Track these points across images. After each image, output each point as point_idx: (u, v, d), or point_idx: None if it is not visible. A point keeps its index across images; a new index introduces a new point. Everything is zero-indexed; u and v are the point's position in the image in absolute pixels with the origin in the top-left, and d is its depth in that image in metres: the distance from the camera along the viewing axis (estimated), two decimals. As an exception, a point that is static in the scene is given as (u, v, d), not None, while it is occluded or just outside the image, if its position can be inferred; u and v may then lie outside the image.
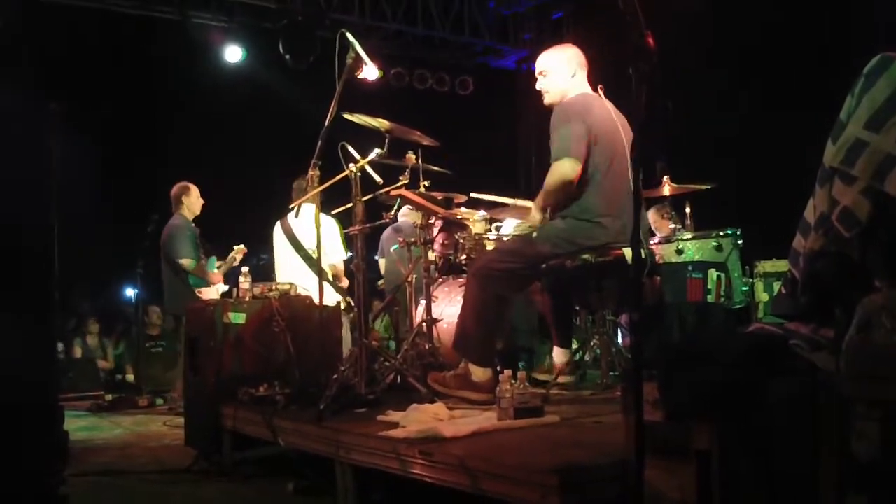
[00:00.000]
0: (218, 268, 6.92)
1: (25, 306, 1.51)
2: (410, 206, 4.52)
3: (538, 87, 3.96)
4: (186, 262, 6.65)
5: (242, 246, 6.94)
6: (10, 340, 1.46)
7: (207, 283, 6.70)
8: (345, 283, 6.00)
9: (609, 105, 3.80)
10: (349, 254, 6.02)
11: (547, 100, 3.93)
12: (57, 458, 1.53)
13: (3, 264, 1.51)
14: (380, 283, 6.73)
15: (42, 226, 1.60)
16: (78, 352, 9.59)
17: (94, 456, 4.74)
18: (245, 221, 7.99)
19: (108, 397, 7.55)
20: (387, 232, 6.47)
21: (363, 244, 3.97)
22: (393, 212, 4.32)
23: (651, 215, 6.34)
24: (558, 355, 4.16)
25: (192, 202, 6.95)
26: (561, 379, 3.89)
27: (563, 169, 3.63)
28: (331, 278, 5.72)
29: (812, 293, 2.18)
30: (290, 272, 5.74)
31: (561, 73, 3.89)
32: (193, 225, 6.92)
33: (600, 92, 3.85)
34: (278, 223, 6.07)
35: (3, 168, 1.60)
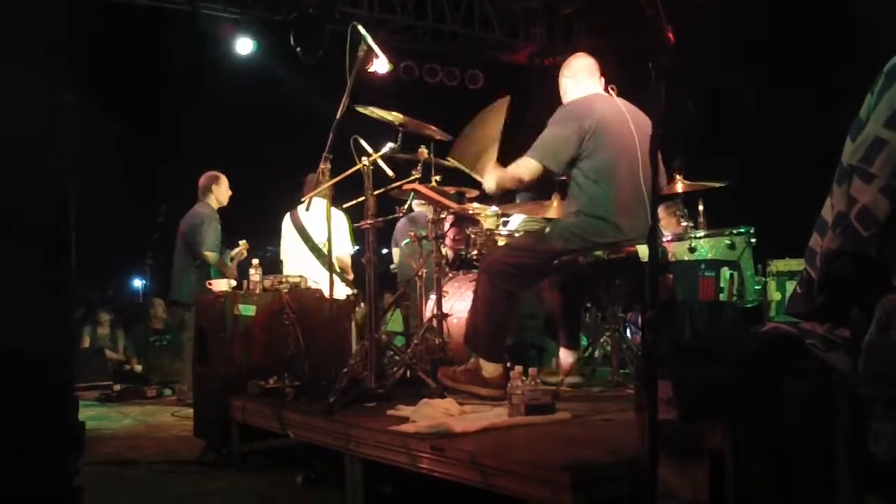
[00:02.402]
0: (231, 260, 6.91)
1: (43, 287, 1.51)
2: (422, 201, 4.51)
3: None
4: (211, 256, 6.57)
5: (245, 242, 6.91)
6: (27, 322, 1.46)
7: (225, 274, 6.66)
8: (351, 275, 5.99)
9: (620, 103, 3.80)
10: (356, 247, 6.01)
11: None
12: (72, 448, 1.53)
13: (19, 244, 1.52)
14: (392, 266, 6.71)
15: (58, 199, 1.60)
16: (86, 341, 9.61)
17: (102, 446, 4.75)
18: (253, 213, 8.00)
19: (117, 387, 7.58)
20: (401, 222, 6.43)
21: (374, 238, 3.96)
22: (405, 206, 4.31)
23: (659, 212, 6.30)
24: (565, 356, 4.15)
25: (221, 192, 6.81)
26: (568, 380, 3.88)
27: (528, 169, 3.72)
28: (337, 271, 5.71)
29: (829, 293, 2.16)
30: (298, 265, 5.74)
31: (565, 88, 3.99)
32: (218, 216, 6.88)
33: (611, 92, 3.87)
34: (287, 215, 6.07)
35: (19, 154, 1.61)
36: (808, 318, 2.25)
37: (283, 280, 4.59)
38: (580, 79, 3.94)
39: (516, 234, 4.40)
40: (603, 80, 3.97)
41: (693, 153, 4.52)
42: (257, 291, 4.54)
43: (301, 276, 4.75)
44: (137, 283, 13.48)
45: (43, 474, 1.52)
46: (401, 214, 4.35)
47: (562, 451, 2.53)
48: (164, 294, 9.23)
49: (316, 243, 5.78)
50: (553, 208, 4.36)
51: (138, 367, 9.32)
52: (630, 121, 3.71)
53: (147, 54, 8.92)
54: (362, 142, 3.96)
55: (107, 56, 8.45)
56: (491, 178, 3.88)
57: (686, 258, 4.12)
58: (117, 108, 8.95)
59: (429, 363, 4.11)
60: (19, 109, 1.74)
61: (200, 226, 6.63)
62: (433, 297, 4.47)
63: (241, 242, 6.94)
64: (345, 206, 4.90)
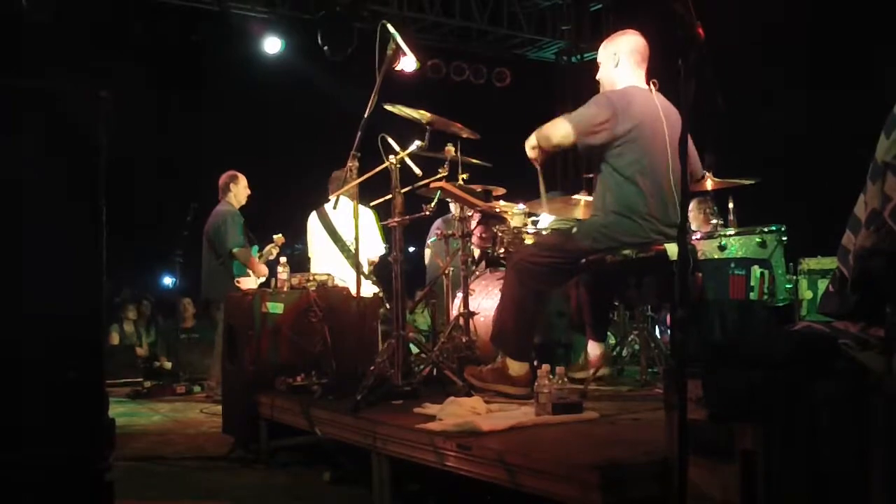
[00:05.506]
0: (259, 257, 6.96)
1: (75, 284, 1.53)
2: (450, 199, 4.51)
3: (597, 77, 3.92)
4: (237, 251, 6.63)
5: (280, 235, 6.95)
6: (58, 323, 1.49)
7: (253, 272, 6.68)
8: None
9: (659, 101, 3.70)
10: (385, 245, 6.01)
11: (601, 90, 3.87)
12: (104, 443, 1.55)
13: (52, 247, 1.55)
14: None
15: (93, 194, 1.62)
16: (115, 338, 9.72)
17: (132, 442, 4.81)
18: (280, 211, 8.04)
19: (147, 384, 7.65)
20: (437, 222, 6.47)
21: (401, 236, 3.96)
22: (433, 204, 4.30)
23: (691, 206, 6.23)
24: (593, 349, 4.13)
25: (240, 191, 6.91)
26: (598, 373, 3.86)
27: (559, 132, 3.66)
28: (367, 272, 5.71)
29: (863, 291, 2.13)
30: (326, 263, 5.75)
31: (605, 64, 3.86)
32: (239, 213, 6.93)
33: (652, 87, 3.74)
34: (314, 213, 6.08)
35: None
36: (841, 317, 2.22)
37: (311, 278, 4.61)
38: (623, 66, 3.80)
39: (543, 233, 4.38)
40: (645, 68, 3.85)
41: (723, 150, 4.48)
42: (285, 289, 4.57)
43: (328, 274, 4.76)
44: (167, 280, 13.63)
45: (77, 470, 1.54)
46: (427, 213, 4.34)
47: (590, 450, 2.52)
48: (193, 292, 9.32)
49: (345, 242, 5.80)
50: (581, 207, 4.33)
51: (167, 364, 9.40)
52: (664, 119, 3.64)
53: (177, 52, 8.98)
54: (390, 140, 3.96)
55: (136, 54, 8.53)
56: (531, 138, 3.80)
57: (716, 256, 4.09)
58: (145, 107, 9.04)
59: (455, 361, 4.11)
60: (61, 103, 1.77)
61: (223, 225, 6.72)
62: (460, 295, 4.47)
63: (275, 237, 6.98)
64: (372, 203, 4.90)
